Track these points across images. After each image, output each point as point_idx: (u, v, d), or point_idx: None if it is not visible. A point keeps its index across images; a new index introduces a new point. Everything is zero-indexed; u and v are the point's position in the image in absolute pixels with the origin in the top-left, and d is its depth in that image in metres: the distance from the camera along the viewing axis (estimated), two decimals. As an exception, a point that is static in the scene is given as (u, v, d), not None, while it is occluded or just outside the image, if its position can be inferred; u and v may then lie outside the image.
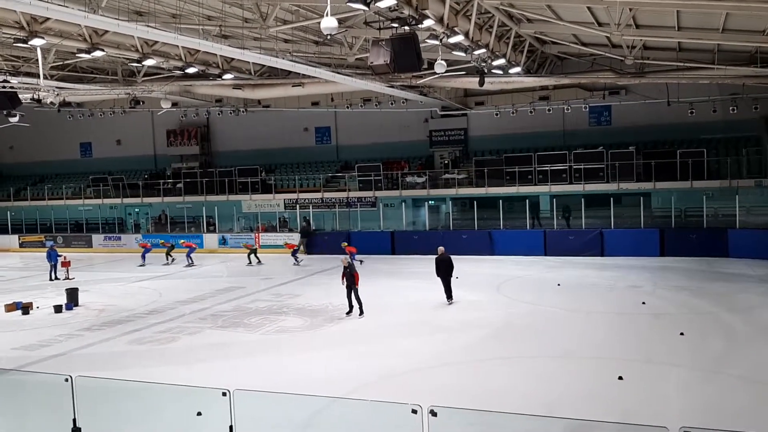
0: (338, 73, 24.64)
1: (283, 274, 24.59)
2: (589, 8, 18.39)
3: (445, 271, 19.03)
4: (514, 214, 31.07)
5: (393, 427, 8.17)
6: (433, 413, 6.16)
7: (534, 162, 31.85)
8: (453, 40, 17.80)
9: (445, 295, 19.01)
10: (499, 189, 31.84)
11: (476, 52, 20.37)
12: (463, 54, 20.56)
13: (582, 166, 30.82)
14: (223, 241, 34.66)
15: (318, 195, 35.54)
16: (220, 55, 24.50)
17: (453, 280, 19.81)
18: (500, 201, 30.30)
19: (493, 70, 23.81)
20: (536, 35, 23.87)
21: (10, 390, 12.18)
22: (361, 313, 17.47)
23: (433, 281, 22.96)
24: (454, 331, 15.67)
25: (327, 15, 13.60)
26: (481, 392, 11.16)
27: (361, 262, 26.07)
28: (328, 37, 17.97)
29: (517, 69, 24.43)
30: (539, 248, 28.32)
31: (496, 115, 33.73)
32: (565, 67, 29.71)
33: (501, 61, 22.45)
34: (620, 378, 11.55)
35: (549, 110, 32.62)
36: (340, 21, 15.68)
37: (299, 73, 26.04)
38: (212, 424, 8.17)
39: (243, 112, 36.61)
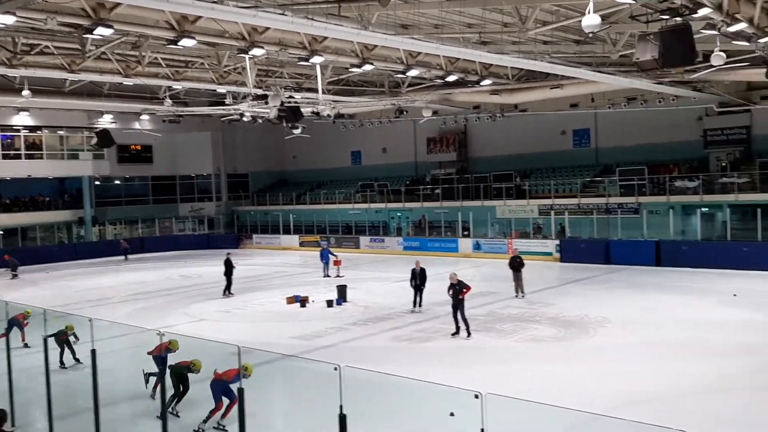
0: (600, 72, 23.53)
1: (535, 283, 24.14)
2: None
3: (420, 281, 19.88)
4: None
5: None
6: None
7: (837, 164, 27.26)
8: (734, 28, 15.86)
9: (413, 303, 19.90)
10: (790, 195, 27.79)
11: (762, 41, 17.93)
12: (745, 43, 18.26)
13: None
14: (477, 246, 35.16)
15: (574, 201, 34.30)
16: (479, 62, 24.88)
17: (731, 298, 18.44)
18: (792, 208, 26.42)
19: (785, 59, 20.84)
20: (842, 15, 20.36)
21: (288, 373, 13.64)
22: (468, 334, 16.19)
23: (704, 298, 20.87)
24: (730, 355, 13.99)
25: (589, 12, 13.05)
26: (760, 426, 9.77)
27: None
28: (590, 35, 17.23)
29: (817, 56, 21.07)
30: (843, 265, 24.14)
31: (788, 109, 29.49)
32: None
33: (795, 49, 19.55)
34: None
35: None
36: (603, 17, 14.93)
37: (558, 75, 25.40)
38: (464, 426, 8.25)
39: (499, 117, 36.75)
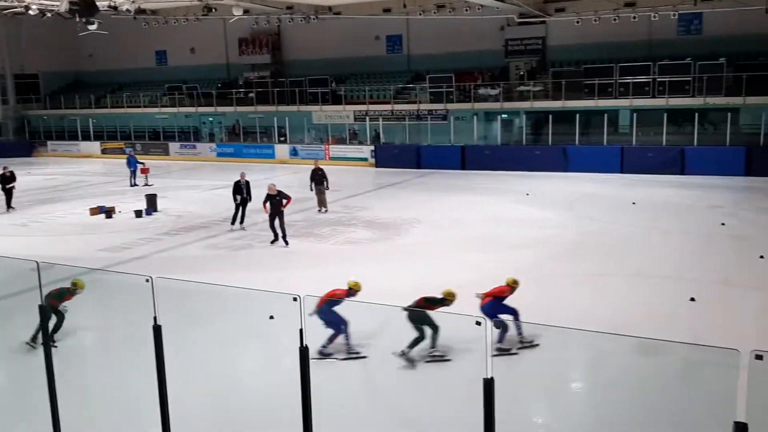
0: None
1: (352, 187, 24.77)
2: None
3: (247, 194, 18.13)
4: (591, 129, 29.99)
5: (457, 336, 8.23)
6: (497, 326, 6.18)
7: (615, 74, 30.32)
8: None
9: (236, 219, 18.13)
10: (576, 102, 30.61)
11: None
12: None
13: (667, 79, 29.14)
14: (294, 152, 35.02)
15: (388, 107, 35.10)
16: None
17: (525, 197, 19.75)
18: (577, 115, 29.18)
19: (577, -25, 22.37)
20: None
21: (96, 288, 12.91)
22: (286, 243, 16.07)
23: (503, 197, 22.72)
24: (524, 248, 15.51)
25: None
26: (549, 308, 11.06)
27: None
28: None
29: (603, -27, 22.87)
30: (615, 165, 27.40)
31: (577, 23, 31.89)
32: (655, -30, 27.61)
33: (586, -35, 21.02)
34: (692, 299, 11.24)
35: (634, 18, 30.51)
36: None
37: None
38: (284, 327, 8.45)
39: (314, 19, 35.94)
